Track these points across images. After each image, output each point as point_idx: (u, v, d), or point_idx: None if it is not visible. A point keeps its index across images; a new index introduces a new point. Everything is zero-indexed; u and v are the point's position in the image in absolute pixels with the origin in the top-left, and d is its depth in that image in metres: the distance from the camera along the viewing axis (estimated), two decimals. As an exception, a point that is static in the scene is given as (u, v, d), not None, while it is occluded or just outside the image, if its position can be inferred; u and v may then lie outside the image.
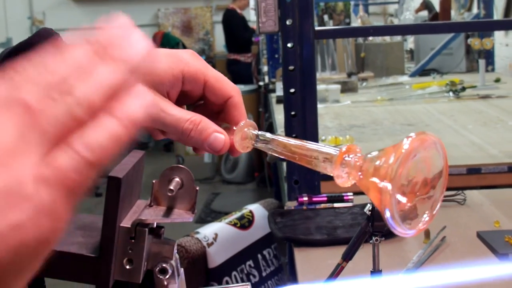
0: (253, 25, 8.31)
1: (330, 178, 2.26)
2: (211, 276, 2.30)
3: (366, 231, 1.23)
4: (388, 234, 1.23)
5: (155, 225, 0.60)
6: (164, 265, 0.61)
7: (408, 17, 5.80)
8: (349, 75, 4.81)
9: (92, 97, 0.38)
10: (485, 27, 3.96)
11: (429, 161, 0.60)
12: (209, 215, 5.82)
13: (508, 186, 2.22)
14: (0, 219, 0.34)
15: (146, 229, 0.59)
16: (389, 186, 0.57)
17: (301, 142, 0.67)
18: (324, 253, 1.60)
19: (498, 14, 5.38)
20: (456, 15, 5.60)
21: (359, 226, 1.73)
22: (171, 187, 0.59)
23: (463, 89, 4.11)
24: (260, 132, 0.70)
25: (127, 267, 0.59)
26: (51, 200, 0.36)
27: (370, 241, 1.21)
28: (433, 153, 0.60)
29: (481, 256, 1.52)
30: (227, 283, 2.31)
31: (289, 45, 1.94)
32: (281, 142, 0.68)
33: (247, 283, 0.63)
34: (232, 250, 2.41)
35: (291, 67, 1.95)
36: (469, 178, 2.28)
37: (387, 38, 5.79)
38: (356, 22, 5.91)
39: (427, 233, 1.62)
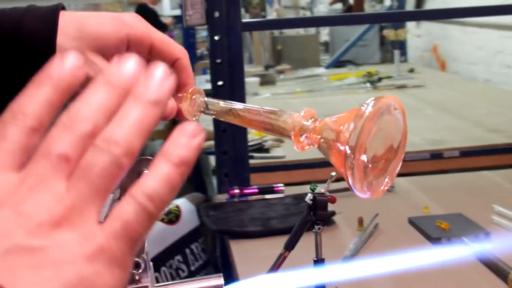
0: (165, 20, 8.25)
1: (260, 170, 2.27)
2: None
3: (308, 220, 1.25)
4: (325, 223, 1.26)
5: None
6: (136, 259, 0.60)
7: (322, 9, 5.88)
8: (267, 68, 4.84)
9: (133, 142, 0.38)
10: (398, 18, 4.07)
11: (389, 123, 0.60)
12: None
13: (431, 172, 2.29)
14: (84, 268, 0.35)
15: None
16: (350, 150, 0.58)
17: (256, 108, 0.66)
18: (260, 244, 1.61)
19: (410, 5, 5.52)
20: (368, 7, 5.71)
21: (293, 216, 1.76)
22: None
23: (380, 79, 4.20)
24: (208, 99, 0.69)
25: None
26: (121, 252, 0.37)
27: (313, 230, 1.22)
28: (391, 116, 0.60)
29: (414, 241, 1.56)
30: (156, 279, 2.29)
31: (216, 37, 1.94)
32: (234, 108, 0.67)
33: (219, 274, 0.62)
34: (160, 245, 2.40)
35: (218, 60, 1.95)
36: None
37: (301, 31, 5.86)
38: (271, 15, 5.95)
39: (360, 221, 1.65)
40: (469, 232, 1.51)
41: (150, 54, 0.69)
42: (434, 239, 1.52)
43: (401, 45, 4.94)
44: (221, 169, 2.04)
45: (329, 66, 5.21)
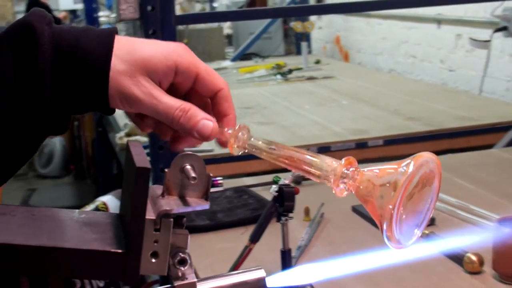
0: (59, 14, 8.05)
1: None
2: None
3: (273, 211, 1.26)
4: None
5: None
6: (182, 255, 0.60)
7: (225, 2, 5.89)
8: (174, 61, 4.81)
9: None
10: (301, 12, 4.13)
11: (425, 176, 0.65)
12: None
13: (359, 162, 2.35)
14: None
15: (171, 220, 0.58)
16: (390, 206, 0.62)
17: (296, 151, 0.70)
18: (210, 238, 1.61)
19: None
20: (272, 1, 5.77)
21: (237, 209, 1.77)
22: (193, 175, 0.59)
23: (290, 71, 4.26)
24: (253, 140, 0.73)
25: (153, 260, 0.57)
26: None
27: (280, 221, 1.24)
28: (427, 169, 0.65)
29: (362, 228, 1.60)
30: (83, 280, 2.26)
31: (150, 32, 1.93)
32: (277, 152, 0.71)
33: (259, 267, 0.63)
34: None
35: (153, 54, 1.94)
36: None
37: (203, 24, 5.85)
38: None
39: (306, 211, 1.68)
40: (415, 217, 1.57)
41: (194, 83, 0.73)
42: (382, 225, 1.56)
43: (307, 37, 5.03)
44: (157, 164, 2.03)
45: (235, 59, 5.24)
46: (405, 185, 0.62)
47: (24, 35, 0.67)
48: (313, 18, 5.65)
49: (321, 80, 4.02)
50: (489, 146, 2.40)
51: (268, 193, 1.83)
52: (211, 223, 1.67)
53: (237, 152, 0.73)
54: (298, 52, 5.35)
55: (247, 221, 1.66)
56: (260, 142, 0.73)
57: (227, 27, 6.28)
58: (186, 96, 0.74)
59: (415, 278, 1.33)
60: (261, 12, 3.18)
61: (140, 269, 0.57)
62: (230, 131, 0.73)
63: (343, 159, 0.68)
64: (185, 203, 0.59)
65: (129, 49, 0.70)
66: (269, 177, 2.01)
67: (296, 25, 4.60)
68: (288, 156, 0.70)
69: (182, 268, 0.60)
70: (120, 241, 0.57)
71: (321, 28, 5.87)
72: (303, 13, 4.40)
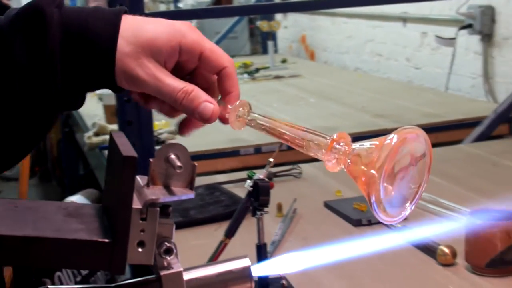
0: (6, 1, 7.93)
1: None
2: (41, 273, 2.22)
3: (248, 206, 1.26)
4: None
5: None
6: (168, 244, 0.60)
7: (190, 2, 5.88)
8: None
9: None
10: (267, 10, 4.14)
11: (413, 150, 0.66)
12: None
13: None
14: None
15: (158, 209, 0.57)
16: (376, 174, 0.62)
17: (293, 127, 0.72)
18: (184, 235, 1.61)
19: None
20: (237, -1, 5.77)
21: (210, 206, 1.77)
22: (179, 164, 0.58)
23: (257, 70, 4.27)
24: (253, 114, 0.75)
25: (139, 249, 0.57)
26: None
27: (255, 216, 1.24)
28: (416, 144, 0.65)
29: (334, 223, 1.61)
30: (59, 278, 2.24)
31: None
32: (274, 124, 0.73)
33: (245, 255, 0.63)
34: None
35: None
36: (293, 152, 2.39)
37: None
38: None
39: (279, 207, 1.68)
40: (387, 211, 1.58)
41: (199, 61, 0.74)
42: (355, 220, 1.58)
43: (273, 36, 5.03)
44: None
45: (201, 58, 5.21)
46: (387, 158, 0.62)
47: (34, 18, 0.69)
48: (279, 17, 5.66)
49: (288, 79, 4.03)
50: (456, 142, 2.42)
51: (240, 190, 1.84)
52: (184, 220, 1.67)
53: (237, 127, 0.75)
54: (264, 51, 5.36)
55: (220, 218, 1.66)
56: (259, 116, 0.75)
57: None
58: (192, 74, 0.76)
59: (389, 270, 1.34)
60: (228, 10, 3.19)
61: (127, 258, 0.57)
62: (230, 107, 0.75)
63: (335, 134, 0.68)
64: (170, 192, 0.59)
65: (135, 30, 0.71)
66: (240, 174, 2.02)
67: (263, 24, 4.61)
68: (285, 130, 0.72)
69: (168, 258, 0.60)
70: (106, 231, 0.57)
71: (287, 27, 5.88)
72: (269, 10, 4.41)
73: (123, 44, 0.70)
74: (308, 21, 5.51)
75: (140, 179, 0.61)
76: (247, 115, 0.75)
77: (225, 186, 1.92)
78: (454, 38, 3.38)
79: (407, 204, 0.66)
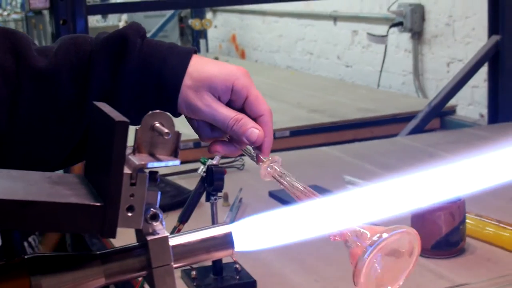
0: None
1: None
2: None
3: (201, 191, 1.28)
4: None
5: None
6: (154, 210, 0.61)
7: None
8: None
9: None
10: (196, 4, 4.14)
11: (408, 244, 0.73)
12: None
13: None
14: None
15: (147, 174, 0.59)
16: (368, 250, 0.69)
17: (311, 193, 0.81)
18: (131, 225, 1.61)
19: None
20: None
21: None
22: (167, 130, 0.60)
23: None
24: (280, 171, 0.85)
25: (129, 214, 0.59)
26: None
27: (210, 201, 1.26)
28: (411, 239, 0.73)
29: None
30: None
31: (61, 22, 1.91)
32: (295, 190, 0.84)
33: (226, 222, 0.66)
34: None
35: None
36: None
37: (102, 23, 5.79)
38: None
39: (225, 197, 1.70)
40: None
41: (244, 104, 0.87)
42: (301, 208, 1.61)
43: (204, 35, 5.06)
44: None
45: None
46: (376, 247, 0.69)
47: (119, 44, 0.85)
48: (209, 16, 5.69)
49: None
50: (391, 136, 2.50)
51: (184, 182, 1.85)
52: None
53: (264, 178, 0.87)
54: (195, 50, 5.36)
55: (166, 208, 1.67)
56: (286, 177, 0.85)
57: (123, 25, 6.23)
58: (240, 111, 0.88)
59: (337, 253, 1.38)
60: (174, 3, 3.15)
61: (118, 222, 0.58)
62: (264, 160, 0.87)
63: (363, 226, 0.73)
64: (157, 159, 0.61)
65: (199, 68, 0.86)
66: (182, 167, 2.03)
67: (195, 23, 4.63)
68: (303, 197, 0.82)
69: (154, 224, 0.61)
70: (95, 197, 0.59)
71: (217, 27, 5.92)
72: (198, 4, 4.43)
73: (187, 78, 0.85)
74: (238, 20, 5.55)
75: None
76: (276, 173, 0.85)
77: (169, 178, 1.93)
78: (385, 36, 3.47)
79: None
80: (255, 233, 0.69)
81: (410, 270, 0.73)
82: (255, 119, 0.87)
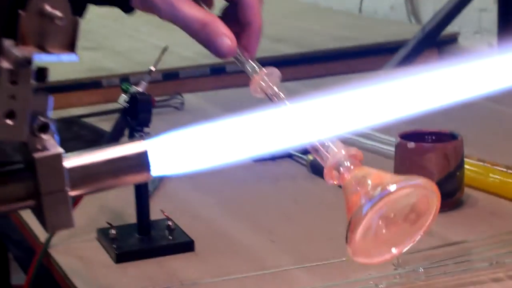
0: None
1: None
2: None
3: (124, 127, 1.26)
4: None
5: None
6: (44, 119, 0.60)
7: None
8: None
9: None
10: None
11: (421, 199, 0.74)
12: None
13: (217, 88, 2.40)
14: None
15: (31, 69, 0.57)
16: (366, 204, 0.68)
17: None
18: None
19: None
20: None
21: (69, 142, 1.76)
22: (60, 15, 0.58)
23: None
24: (274, 90, 0.84)
25: (8, 121, 0.57)
26: None
27: (135, 138, 1.24)
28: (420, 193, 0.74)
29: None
30: None
31: None
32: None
33: (139, 138, 0.65)
34: None
35: None
36: (166, 84, 2.40)
37: None
38: None
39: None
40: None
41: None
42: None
43: None
44: None
45: None
46: (379, 201, 0.68)
47: None
48: None
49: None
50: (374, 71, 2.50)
51: (105, 124, 1.83)
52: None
53: (255, 93, 0.85)
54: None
55: (82, 155, 1.66)
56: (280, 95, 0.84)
57: None
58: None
59: (302, 212, 1.38)
60: None
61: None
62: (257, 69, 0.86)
63: (352, 149, 0.73)
64: (47, 52, 0.59)
65: None
66: (103, 107, 2.01)
67: None
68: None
69: (44, 137, 0.60)
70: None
71: None
72: None
73: None
74: None
75: (7, 41, 0.61)
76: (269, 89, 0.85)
77: (86, 120, 1.92)
78: None
79: (393, 249, 0.73)
80: (180, 152, 0.67)
81: (425, 229, 0.74)
82: (237, 1, 0.84)
